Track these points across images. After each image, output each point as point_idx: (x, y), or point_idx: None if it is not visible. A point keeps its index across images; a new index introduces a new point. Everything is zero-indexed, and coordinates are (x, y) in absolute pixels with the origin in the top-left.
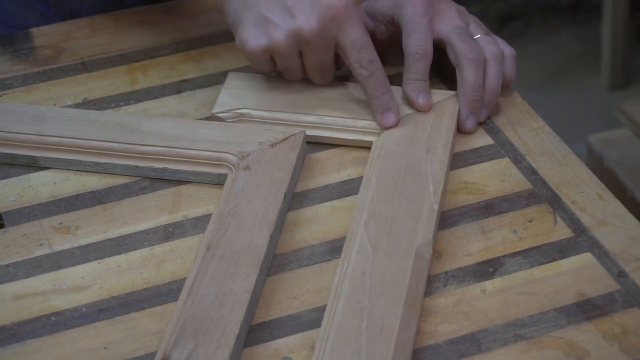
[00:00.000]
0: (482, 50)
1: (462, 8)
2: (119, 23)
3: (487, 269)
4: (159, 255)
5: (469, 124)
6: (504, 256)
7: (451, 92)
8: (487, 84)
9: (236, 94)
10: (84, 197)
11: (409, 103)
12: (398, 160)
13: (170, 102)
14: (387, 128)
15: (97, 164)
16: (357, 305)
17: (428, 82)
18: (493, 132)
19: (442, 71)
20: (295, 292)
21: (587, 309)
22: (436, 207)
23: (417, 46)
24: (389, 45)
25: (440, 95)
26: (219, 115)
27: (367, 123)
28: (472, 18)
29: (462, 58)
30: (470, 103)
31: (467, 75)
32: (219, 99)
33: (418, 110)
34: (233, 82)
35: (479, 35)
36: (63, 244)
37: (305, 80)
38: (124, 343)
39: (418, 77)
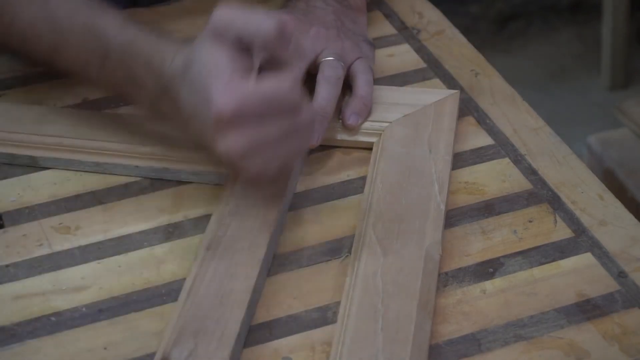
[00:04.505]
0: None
1: (327, 32)
2: None
3: (487, 269)
4: (159, 255)
5: None
6: (504, 256)
7: (451, 91)
8: (315, 101)
9: None
10: (84, 197)
11: None
12: (401, 161)
13: None
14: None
15: (97, 164)
16: (371, 307)
17: None
18: (493, 132)
19: (442, 69)
20: (295, 292)
21: (587, 309)
22: (442, 207)
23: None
24: None
25: (440, 94)
26: None
27: (368, 124)
28: (336, 42)
29: None
30: None
31: None
32: None
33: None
34: None
35: (324, 59)
36: (63, 244)
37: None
38: (124, 343)
39: None
